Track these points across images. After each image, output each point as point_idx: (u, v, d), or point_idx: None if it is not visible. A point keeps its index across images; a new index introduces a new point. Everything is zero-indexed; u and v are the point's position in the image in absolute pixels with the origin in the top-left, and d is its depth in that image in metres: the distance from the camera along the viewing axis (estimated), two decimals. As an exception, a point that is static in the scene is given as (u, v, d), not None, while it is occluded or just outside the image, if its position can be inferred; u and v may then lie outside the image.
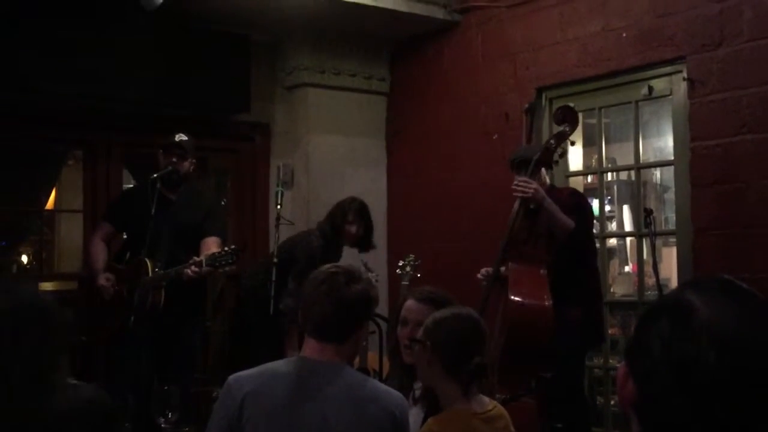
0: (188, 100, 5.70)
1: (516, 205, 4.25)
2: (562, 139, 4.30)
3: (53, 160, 6.46)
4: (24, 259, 7.36)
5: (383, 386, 2.58)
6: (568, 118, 4.33)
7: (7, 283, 2.21)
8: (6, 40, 4.97)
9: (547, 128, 5.22)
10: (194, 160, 4.94)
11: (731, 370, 1.03)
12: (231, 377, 2.46)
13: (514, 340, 3.97)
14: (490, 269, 4.39)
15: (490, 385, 3.18)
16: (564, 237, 4.16)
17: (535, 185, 4.16)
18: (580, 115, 5.43)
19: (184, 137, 4.84)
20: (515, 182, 4.21)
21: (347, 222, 5.10)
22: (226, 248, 4.54)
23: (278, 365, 2.51)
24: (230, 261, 4.48)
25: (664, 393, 1.05)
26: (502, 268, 4.29)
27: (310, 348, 2.46)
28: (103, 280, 4.81)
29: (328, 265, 2.58)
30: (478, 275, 4.45)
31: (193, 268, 4.49)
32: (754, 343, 1.05)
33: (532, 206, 4.24)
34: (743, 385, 1.03)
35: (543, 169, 4.41)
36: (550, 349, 4.10)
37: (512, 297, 4.11)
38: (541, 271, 4.20)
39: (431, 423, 2.57)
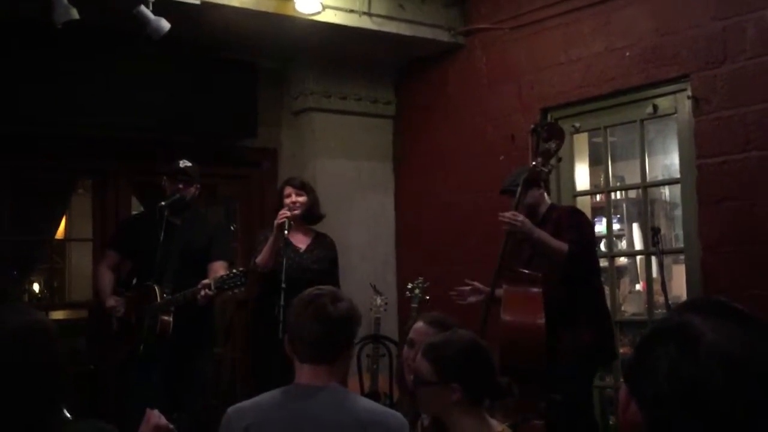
0: (196, 127, 5.74)
1: (504, 239, 4.25)
2: (548, 157, 4.29)
3: (63, 189, 6.50)
4: (36, 288, 7.39)
5: (384, 408, 2.60)
6: (553, 135, 4.32)
7: (16, 308, 2.22)
8: (10, 73, 5.02)
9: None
10: (199, 186, 4.97)
11: (740, 392, 1.03)
12: (230, 409, 2.47)
13: (508, 359, 3.92)
14: (475, 283, 4.43)
15: (501, 407, 3.17)
16: (561, 261, 4.17)
17: (521, 218, 4.16)
18: (586, 135, 5.48)
19: (188, 163, 4.87)
20: (501, 214, 4.20)
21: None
22: (234, 270, 4.56)
23: (276, 394, 2.51)
24: (239, 283, 4.49)
25: (674, 417, 1.05)
26: (498, 290, 4.29)
27: (305, 373, 2.47)
28: (113, 301, 4.83)
29: (310, 289, 2.58)
30: (456, 290, 4.48)
31: (202, 291, 4.51)
32: (761, 366, 1.05)
33: (519, 237, 4.25)
34: (752, 407, 1.03)
35: (540, 189, 4.42)
36: (559, 372, 4.09)
37: (504, 317, 4.11)
38: (535, 290, 4.19)
39: None
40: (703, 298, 1.24)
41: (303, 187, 5.12)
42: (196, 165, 4.92)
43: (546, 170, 4.31)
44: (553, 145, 4.28)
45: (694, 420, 1.04)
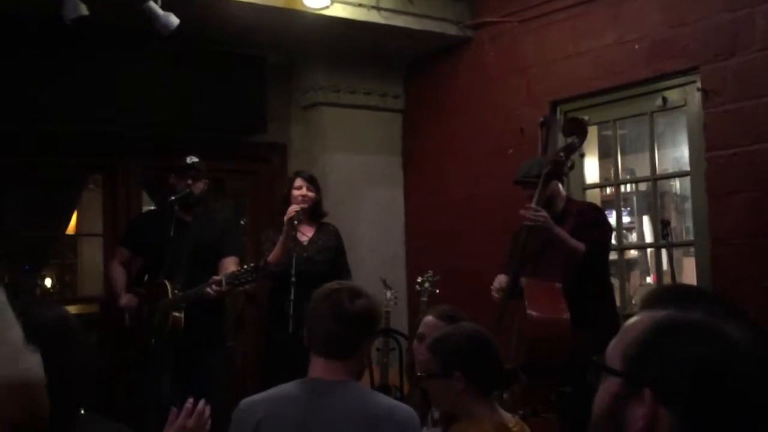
0: (205, 123, 5.75)
1: (524, 232, 4.25)
2: (571, 152, 4.29)
3: (73, 184, 6.52)
4: (48, 282, 7.43)
5: (394, 401, 2.60)
6: (576, 131, 4.32)
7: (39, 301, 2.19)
8: (21, 71, 5.05)
9: (562, 142, 5.21)
10: (207, 181, 4.98)
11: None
12: (242, 402, 2.47)
13: (535, 355, 3.96)
14: (502, 279, 4.40)
15: (512, 398, 3.19)
16: (576, 260, 4.16)
17: (543, 213, 4.14)
18: (595, 128, 5.46)
19: (195, 159, 4.89)
20: (524, 209, 4.19)
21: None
22: (245, 266, 4.57)
23: (288, 388, 2.51)
24: (250, 279, 4.51)
25: (720, 417, 1.02)
26: (515, 282, 4.29)
27: (319, 367, 2.47)
28: (126, 299, 4.85)
29: (330, 283, 2.60)
30: (492, 291, 4.45)
31: (213, 287, 4.53)
32: None
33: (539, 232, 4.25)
34: None
35: (557, 182, 4.41)
36: (569, 363, 4.10)
37: (531, 312, 4.11)
38: (557, 285, 4.20)
39: (460, 427, 2.57)
40: (688, 290, 1.21)
41: (312, 182, 5.14)
42: (202, 160, 4.94)
43: (569, 164, 4.32)
44: (576, 140, 4.28)
45: (742, 419, 1.02)
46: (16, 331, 1.26)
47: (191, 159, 4.87)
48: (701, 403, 1.02)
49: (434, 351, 2.63)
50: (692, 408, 1.02)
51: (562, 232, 4.19)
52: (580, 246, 4.17)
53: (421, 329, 3.08)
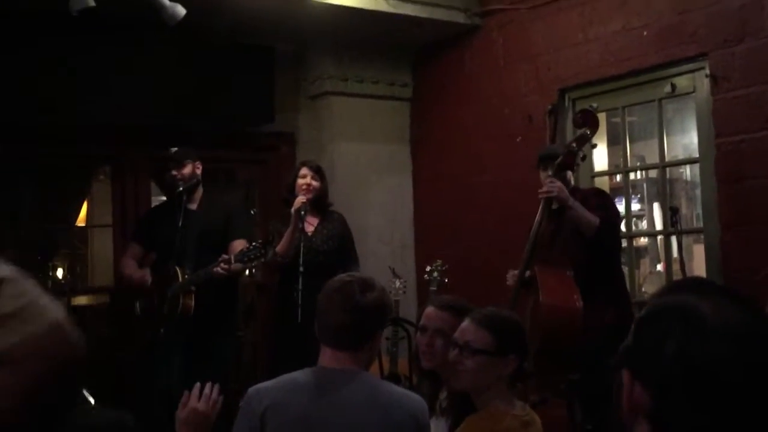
0: (213, 113, 5.75)
1: (540, 208, 4.27)
2: (583, 142, 4.30)
3: (83, 175, 6.55)
4: (59, 273, 7.47)
5: (403, 390, 2.61)
6: (588, 122, 4.32)
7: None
8: (30, 64, 5.06)
9: (570, 129, 5.21)
10: (197, 164, 4.99)
11: (748, 370, 1.05)
12: (251, 389, 2.47)
13: (548, 343, 3.97)
14: (516, 272, 4.41)
15: (522, 386, 3.19)
16: (591, 234, 4.17)
17: (559, 184, 4.19)
18: (604, 115, 5.45)
19: (174, 148, 4.93)
20: (541, 189, 4.23)
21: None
22: (253, 243, 4.59)
23: (297, 376, 2.51)
24: (259, 255, 4.53)
25: (686, 399, 1.06)
26: (528, 272, 4.30)
27: (327, 357, 2.47)
28: (141, 272, 4.89)
29: (342, 275, 2.60)
30: (508, 280, 4.46)
31: (222, 265, 4.55)
32: (764, 338, 1.07)
33: (554, 206, 4.26)
34: (762, 378, 1.05)
35: (568, 172, 4.42)
36: (581, 352, 4.10)
37: (544, 300, 4.11)
38: (568, 273, 4.21)
39: (475, 420, 2.57)
40: (688, 278, 1.27)
41: (318, 171, 5.14)
42: (185, 147, 4.97)
43: (581, 156, 4.33)
44: (588, 131, 4.29)
45: (705, 397, 1.05)
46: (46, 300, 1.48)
47: (168, 151, 4.93)
48: (675, 386, 1.07)
49: (490, 328, 2.60)
50: (667, 391, 1.08)
51: (576, 203, 4.20)
52: (595, 219, 4.18)
53: (422, 321, 3.07)
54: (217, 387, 2.55)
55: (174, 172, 4.89)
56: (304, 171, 5.10)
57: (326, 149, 6.25)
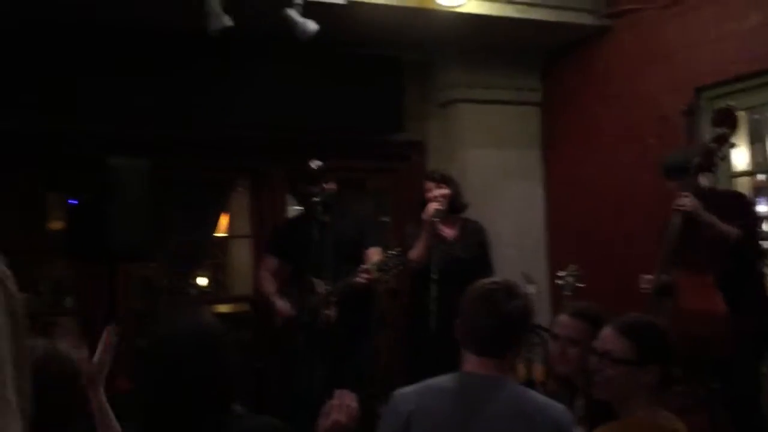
0: (345, 124, 5.87)
1: (675, 217, 4.15)
2: (722, 143, 4.14)
3: (223, 188, 6.79)
4: (203, 283, 7.76)
5: (546, 398, 2.57)
6: (727, 121, 4.17)
7: (179, 310, 2.35)
8: (177, 83, 5.32)
9: (706, 130, 5.04)
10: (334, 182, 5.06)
11: None
12: (396, 393, 2.49)
13: (691, 351, 3.85)
14: (650, 277, 4.29)
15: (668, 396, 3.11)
16: (726, 246, 4.02)
17: (690, 200, 4.04)
18: (744, 113, 5.25)
19: (319, 162, 4.90)
20: (675, 203, 4.09)
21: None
22: (391, 252, 4.66)
23: (442, 381, 2.51)
24: (398, 263, 4.59)
25: None
26: (664, 276, 4.18)
27: (471, 363, 2.47)
28: (281, 304, 4.96)
29: (486, 280, 2.59)
30: (641, 285, 4.36)
31: (363, 275, 4.63)
32: None
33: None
34: None
35: (706, 175, 4.28)
36: (721, 360, 3.97)
37: (686, 305, 4.00)
38: (708, 278, 4.08)
39: (615, 429, 2.52)
40: None
41: (443, 180, 5.16)
42: (342, 161, 5.09)
43: (720, 156, 4.18)
44: (726, 130, 4.14)
45: None
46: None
47: (316, 163, 4.90)
48: None
49: (631, 337, 2.53)
50: None
51: (710, 217, 4.07)
52: (731, 230, 4.04)
53: (555, 329, 3.04)
54: (355, 397, 2.60)
55: (325, 185, 4.91)
56: (428, 185, 5.15)
57: (456, 156, 6.28)
